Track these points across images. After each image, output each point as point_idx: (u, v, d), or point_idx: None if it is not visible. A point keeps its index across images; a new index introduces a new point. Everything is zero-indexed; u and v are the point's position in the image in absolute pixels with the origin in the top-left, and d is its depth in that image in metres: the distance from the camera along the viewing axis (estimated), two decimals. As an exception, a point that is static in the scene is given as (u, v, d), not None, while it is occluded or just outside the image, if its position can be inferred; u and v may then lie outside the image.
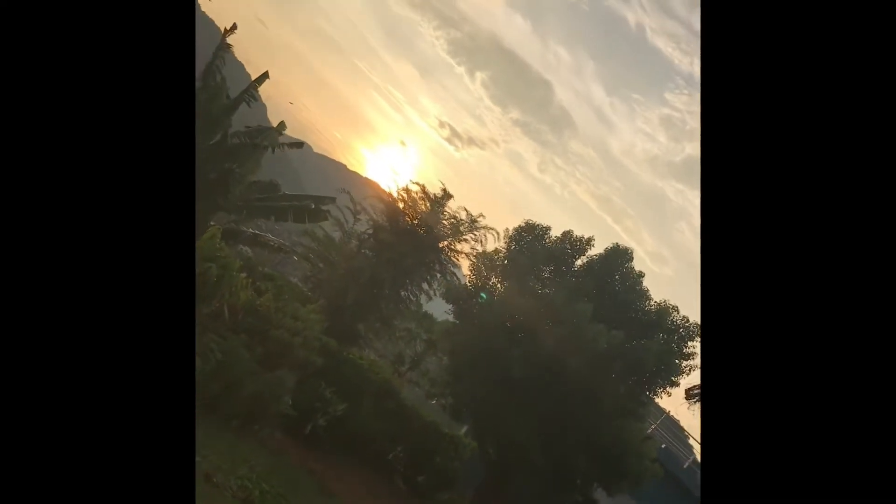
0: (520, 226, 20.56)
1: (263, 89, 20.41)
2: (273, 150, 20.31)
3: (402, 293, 21.43)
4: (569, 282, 18.15)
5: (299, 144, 21.76)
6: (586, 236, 19.80)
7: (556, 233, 20.13)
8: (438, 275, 21.37)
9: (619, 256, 18.61)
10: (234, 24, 20.16)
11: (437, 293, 21.36)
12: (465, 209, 21.43)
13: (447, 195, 21.34)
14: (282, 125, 20.50)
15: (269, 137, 19.92)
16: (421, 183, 21.77)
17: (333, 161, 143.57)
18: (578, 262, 19.77)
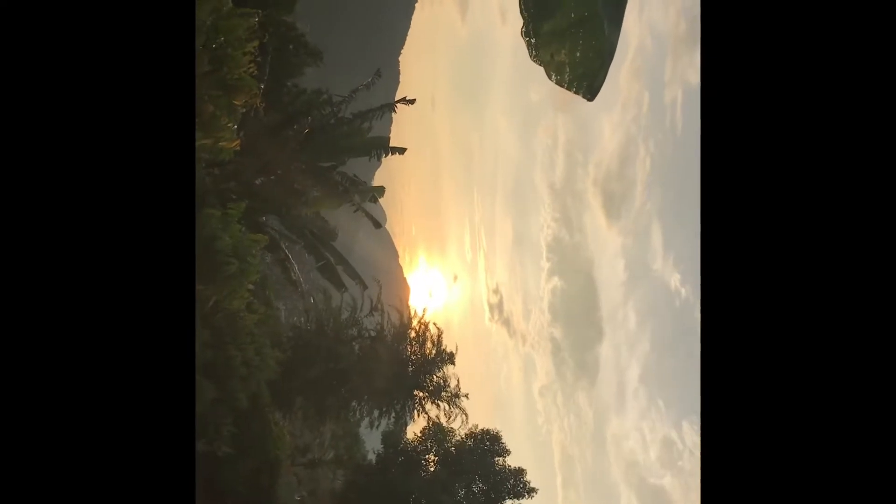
0: (490, 431, 20.48)
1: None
2: (355, 211, 20.99)
3: (354, 403, 21.07)
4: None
5: (378, 225, 22.35)
6: (532, 485, 19.73)
7: (515, 458, 20.09)
8: (393, 415, 21.05)
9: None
10: (415, 99, 21.21)
11: (380, 428, 21.05)
12: (458, 379, 21.38)
13: (452, 358, 21.32)
14: (381, 190, 21.26)
15: (362, 196, 20.64)
16: (441, 329, 21.89)
17: (391, 245, 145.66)
18: (508, 503, 19.52)
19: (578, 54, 3.38)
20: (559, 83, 3.54)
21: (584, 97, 3.72)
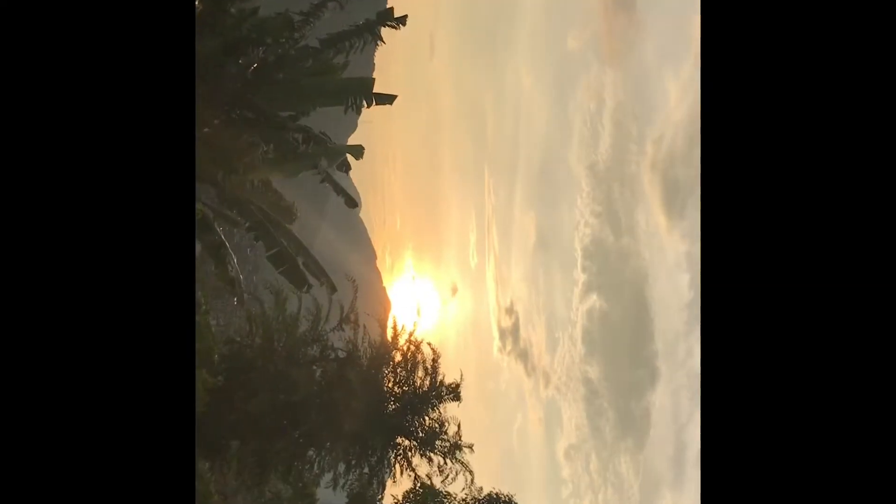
0: (501, 496, 20.34)
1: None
2: (321, 181, 20.88)
3: (311, 452, 20.77)
4: None
5: (353, 203, 22.46)
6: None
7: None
8: (366, 470, 20.72)
9: None
10: (405, 17, 20.37)
11: (346, 488, 20.68)
12: (459, 425, 21.11)
13: (455, 393, 21.08)
14: (358, 150, 20.84)
15: (331, 159, 20.45)
16: (437, 350, 21.65)
17: (367, 241, 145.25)
18: None
19: None
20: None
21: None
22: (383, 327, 22.12)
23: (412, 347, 21.52)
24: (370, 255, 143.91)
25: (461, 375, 21.39)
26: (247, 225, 20.46)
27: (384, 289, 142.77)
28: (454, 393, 21.18)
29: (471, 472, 20.80)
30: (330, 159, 20.58)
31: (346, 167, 21.07)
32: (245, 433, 20.17)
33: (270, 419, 20.07)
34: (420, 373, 21.28)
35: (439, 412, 21.16)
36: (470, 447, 21.05)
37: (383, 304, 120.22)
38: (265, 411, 19.84)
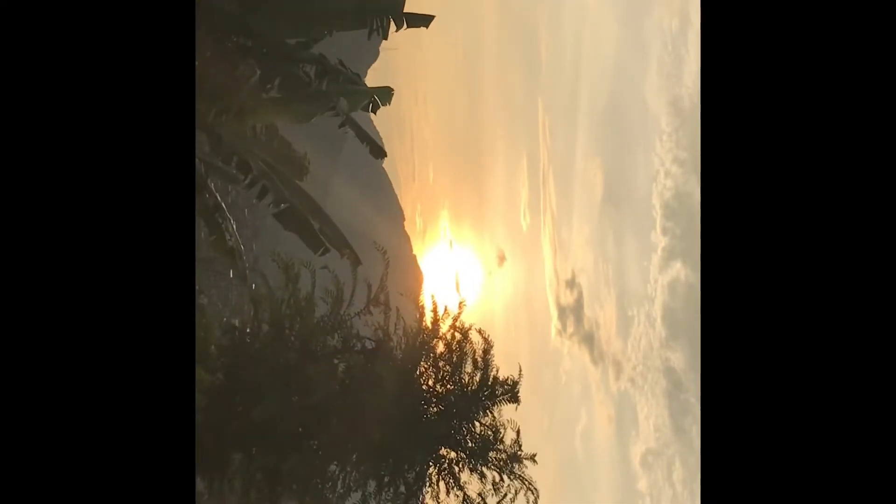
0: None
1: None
2: (340, 125, 19.99)
3: (333, 467, 19.13)
4: None
5: (381, 153, 21.95)
6: None
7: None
8: (402, 488, 19.14)
9: None
10: None
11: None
12: (518, 432, 19.36)
13: (513, 392, 19.15)
14: (386, 93, 19.91)
15: (353, 100, 19.49)
16: (490, 339, 19.77)
17: (393, 196, 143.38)
18: None
19: None
20: None
21: None
22: (420, 309, 20.05)
23: (458, 335, 19.74)
24: (396, 216, 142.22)
25: (519, 370, 19.67)
26: (246, 181, 18.93)
27: (415, 258, 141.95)
28: (511, 392, 19.44)
29: (534, 491, 19.12)
30: (352, 101, 19.70)
31: (372, 106, 19.95)
32: (251, 444, 18.85)
33: (282, 426, 18.64)
34: (468, 367, 19.55)
35: (493, 416, 19.44)
36: (532, 458, 19.35)
37: (414, 276, 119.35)
38: (275, 417, 18.37)
